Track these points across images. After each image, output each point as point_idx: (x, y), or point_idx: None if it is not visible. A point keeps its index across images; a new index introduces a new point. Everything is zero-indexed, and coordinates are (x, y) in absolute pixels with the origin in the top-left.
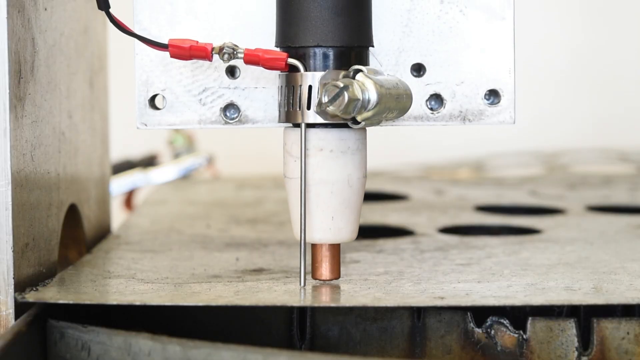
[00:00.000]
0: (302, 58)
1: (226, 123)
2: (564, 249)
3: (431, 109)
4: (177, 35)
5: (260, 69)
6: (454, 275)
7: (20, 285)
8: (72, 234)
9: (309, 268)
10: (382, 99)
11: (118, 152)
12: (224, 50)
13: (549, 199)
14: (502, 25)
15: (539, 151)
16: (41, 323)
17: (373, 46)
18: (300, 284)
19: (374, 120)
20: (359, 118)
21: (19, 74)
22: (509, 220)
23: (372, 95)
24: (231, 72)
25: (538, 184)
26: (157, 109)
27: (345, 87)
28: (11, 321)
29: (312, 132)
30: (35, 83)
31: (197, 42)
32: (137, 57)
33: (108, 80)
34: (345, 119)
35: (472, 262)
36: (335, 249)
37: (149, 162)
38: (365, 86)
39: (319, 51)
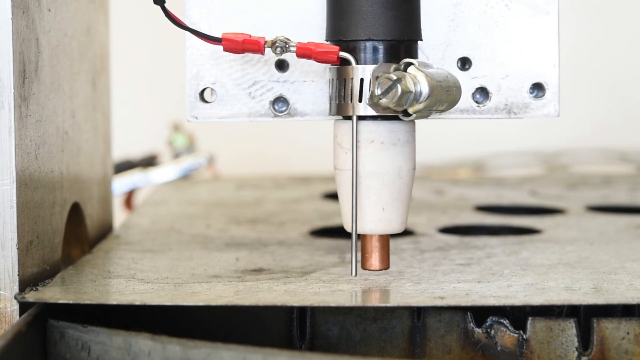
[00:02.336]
0: (353, 51)
1: (275, 116)
2: (564, 249)
3: (477, 102)
4: (225, 30)
5: (309, 62)
6: (454, 275)
7: (25, 283)
8: (75, 232)
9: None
10: (433, 92)
11: (118, 152)
12: (277, 44)
13: (549, 199)
14: (547, 19)
15: (539, 151)
16: (41, 323)
17: (422, 40)
18: (352, 274)
19: (425, 113)
20: (410, 110)
21: (23, 74)
22: (509, 220)
23: (424, 88)
24: (280, 65)
25: (538, 184)
26: (207, 102)
27: (398, 80)
28: (16, 318)
29: (363, 124)
30: (40, 83)
31: (250, 36)
32: (188, 51)
33: (110, 80)
34: (397, 111)
35: (472, 262)
36: (385, 240)
37: (149, 162)
38: (417, 79)
39: (370, 45)
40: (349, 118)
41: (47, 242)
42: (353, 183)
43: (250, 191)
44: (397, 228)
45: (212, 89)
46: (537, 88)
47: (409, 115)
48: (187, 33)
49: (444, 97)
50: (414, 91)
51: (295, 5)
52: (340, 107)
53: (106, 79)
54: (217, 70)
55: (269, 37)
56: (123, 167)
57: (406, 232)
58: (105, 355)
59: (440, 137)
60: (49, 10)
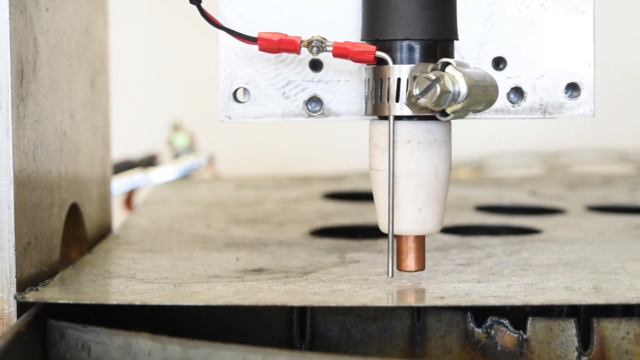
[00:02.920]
0: (390, 51)
1: (309, 116)
2: (564, 249)
3: (512, 102)
4: (258, 30)
5: (343, 62)
6: (454, 275)
7: (23, 284)
8: (73, 233)
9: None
10: (471, 91)
11: (118, 152)
12: (313, 44)
13: (549, 199)
14: (582, 19)
15: (539, 151)
16: (41, 323)
17: (458, 39)
18: (388, 275)
19: (462, 113)
20: (448, 110)
21: (21, 74)
22: (509, 220)
23: (463, 88)
24: (314, 65)
25: (538, 184)
26: (240, 102)
27: (437, 80)
28: (13, 319)
29: (400, 124)
30: (38, 83)
31: (286, 35)
32: (222, 51)
33: (109, 80)
34: (435, 111)
35: (472, 262)
36: (421, 241)
37: (149, 162)
38: (455, 78)
39: (407, 44)
40: (385, 118)
41: (45, 243)
42: (390, 183)
43: (250, 191)
44: (434, 229)
45: (245, 88)
46: (572, 88)
47: (447, 115)
48: (221, 32)
49: (481, 97)
50: (452, 91)
51: (329, 4)
52: (377, 107)
53: (105, 78)
54: (251, 69)
55: (304, 37)
56: (123, 167)
57: None
58: (105, 355)
59: None
60: (47, 9)
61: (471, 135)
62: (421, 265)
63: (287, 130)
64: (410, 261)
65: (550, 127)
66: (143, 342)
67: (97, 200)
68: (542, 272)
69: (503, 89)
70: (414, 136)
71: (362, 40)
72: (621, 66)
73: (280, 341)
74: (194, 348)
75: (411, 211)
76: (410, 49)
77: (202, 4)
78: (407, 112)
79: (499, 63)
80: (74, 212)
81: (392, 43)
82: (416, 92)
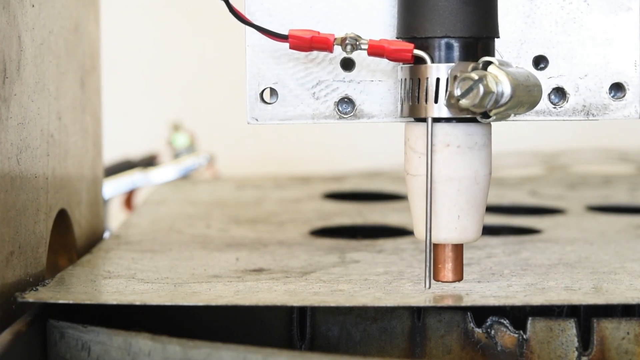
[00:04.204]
0: (428, 49)
1: (341, 118)
2: (564, 249)
3: (553, 103)
4: (287, 27)
5: (377, 61)
6: None
7: (5, 296)
8: (62, 240)
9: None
10: (515, 92)
11: (118, 152)
12: (347, 41)
13: (549, 199)
14: (628, 16)
15: (539, 151)
16: (41, 323)
17: (499, 37)
18: (425, 286)
19: (505, 115)
20: (491, 112)
21: (3, 74)
22: (509, 220)
23: (506, 88)
24: (345, 64)
25: (538, 184)
26: (268, 103)
27: (480, 80)
28: None
29: (439, 127)
30: (22, 83)
31: (319, 33)
32: (249, 49)
33: (101, 80)
34: (476, 113)
35: (472, 262)
36: (459, 250)
37: (149, 162)
38: (498, 78)
39: (446, 42)
40: (422, 120)
41: (30, 252)
42: (428, 189)
43: (250, 191)
44: (473, 237)
45: (273, 89)
46: (617, 88)
47: (488, 117)
48: (248, 30)
49: (525, 97)
50: (495, 92)
51: (363, 0)
52: (414, 108)
53: (96, 78)
54: (279, 69)
55: (336, 34)
56: (123, 167)
57: (406, 232)
58: (105, 355)
59: None
60: (33, 5)
61: None
62: (459, 275)
63: (287, 131)
64: (447, 271)
65: (550, 127)
66: (143, 342)
67: (87, 205)
68: (542, 272)
69: (544, 90)
70: (454, 139)
71: (397, 37)
72: None
73: (280, 341)
74: (194, 348)
75: (449, 218)
76: (450, 47)
77: (229, 0)
78: (446, 113)
79: (539, 62)
80: (62, 218)
81: (431, 41)
82: (457, 92)
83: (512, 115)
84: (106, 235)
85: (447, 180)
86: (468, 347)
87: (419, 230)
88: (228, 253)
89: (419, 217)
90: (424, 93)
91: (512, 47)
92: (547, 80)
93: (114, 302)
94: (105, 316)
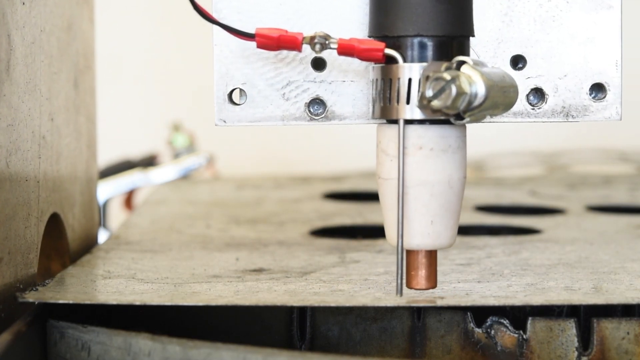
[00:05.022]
0: (400, 48)
1: (311, 119)
2: (564, 249)
3: (532, 104)
4: (256, 25)
5: (349, 61)
6: (454, 275)
7: None
8: (54, 245)
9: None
10: (490, 93)
11: (118, 152)
12: (316, 40)
13: (549, 199)
14: (609, 14)
15: (539, 151)
16: (41, 323)
17: (474, 36)
18: (397, 293)
19: (480, 116)
20: (465, 114)
21: None
22: (509, 220)
23: (480, 89)
24: (316, 64)
25: (538, 184)
26: (237, 104)
27: (452, 80)
28: None
29: (411, 129)
30: (12, 83)
31: (287, 31)
32: (216, 49)
33: (95, 80)
34: (449, 115)
35: (472, 262)
36: (433, 256)
37: (149, 162)
38: (472, 79)
39: (418, 41)
40: (394, 122)
41: (20, 258)
42: (399, 193)
43: (250, 191)
44: (447, 243)
45: (242, 89)
46: (598, 89)
47: (462, 119)
48: (216, 29)
49: (500, 99)
50: (469, 92)
51: None
52: (385, 109)
53: (91, 78)
54: (249, 69)
55: (306, 33)
56: (123, 167)
57: None
58: (105, 355)
59: None
60: (23, 3)
61: (471, 135)
62: (433, 282)
63: (287, 130)
64: (421, 278)
65: (550, 127)
66: (143, 342)
67: (80, 209)
68: (542, 272)
69: (522, 90)
70: (426, 142)
71: (369, 36)
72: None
73: (280, 341)
74: (194, 348)
75: (423, 224)
76: (423, 46)
77: None
78: (419, 115)
79: (517, 62)
80: (55, 223)
81: (403, 40)
82: (429, 93)
83: (488, 116)
84: (104, 235)
85: (419, 185)
86: (468, 347)
87: (391, 236)
88: (228, 253)
89: (391, 222)
90: (396, 94)
91: (489, 47)
92: (525, 80)
93: (114, 302)
94: (105, 316)
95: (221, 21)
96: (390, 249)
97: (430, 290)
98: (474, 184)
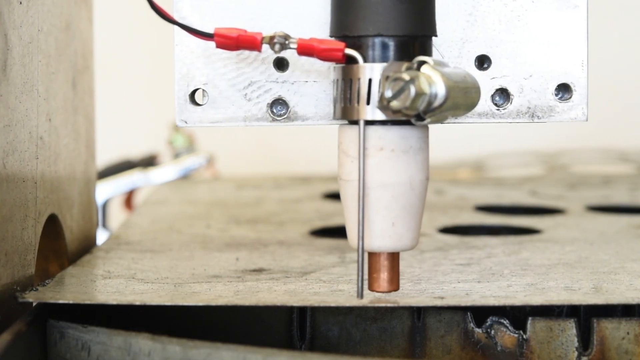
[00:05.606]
0: (360, 48)
1: (273, 120)
2: (564, 249)
3: (496, 104)
4: (219, 25)
5: (311, 61)
6: (454, 275)
7: None
8: (52, 246)
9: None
10: (450, 94)
11: (118, 152)
12: (275, 40)
13: (549, 199)
14: (575, 14)
15: (539, 151)
16: (41, 323)
17: (437, 36)
18: (358, 296)
19: (440, 117)
20: (426, 115)
21: None
22: (509, 220)
23: (440, 90)
24: (279, 64)
25: (538, 184)
26: (198, 104)
27: (411, 81)
28: None
29: (372, 129)
30: (8, 83)
31: (246, 31)
32: (177, 49)
33: (94, 80)
34: (409, 116)
35: (472, 262)
36: (395, 258)
37: (149, 162)
38: (432, 79)
39: (379, 41)
40: (356, 123)
41: (18, 259)
42: (360, 195)
43: (250, 191)
44: (409, 245)
45: (203, 90)
46: (564, 89)
47: (423, 119)
48: (176, 28)
49: (461, 99)
50: (428, 93)
51: None
52: (346, 110)
53: (89, 78)
54: (210, 69)
55: (267, 33)
56: (123, 167)
57: None
58: (105, 355)
59: (440, 137)
60: (20, 3)
61: (471, 135)
62: (395, 285)
63: (287, 130)
64: (383, 281)
65: (551, 127)
66: (143, 342)
67: (79, 210)
68: (542, 272)
69: (487, 91)
70: (387, 143)
71: (330, 36)
72: (622, 65)
73: (280, 341)
74: (194, 348)
75: (384, 226)
76: (383, 46)
77: None
78: (380, 116)
79: (483, 62)
80: (53, 224)
81: (363, 40)
82: (388, 94)
83: (450, 117)
84: (104, 235)
85: (380, 186)
86: (468, 347)
87: (352, 238)
88: (228, 253)
89: (352, 224)
90: (356, 94)
91: (453, 47)
92: (490, 80)
93: (114, 302)
94: (105, 316)
95: (182, 20)
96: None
97: (430, 290)
98: (474, 184)
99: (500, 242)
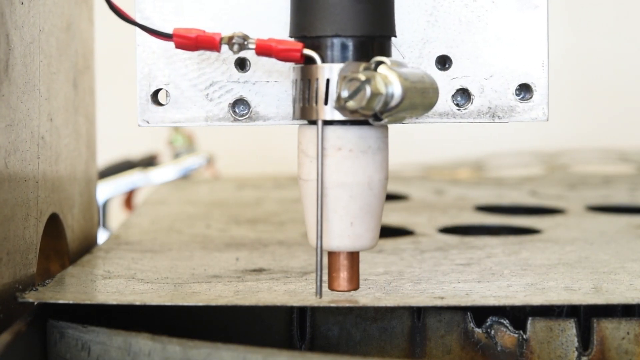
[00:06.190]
0: (319, 49)
1: (235, 120)
2: (564, 249)
3: (457, 105)
4: (182, 25)
5: (273, 61)
6: (454, 275)
7: None
8: (53, 245)
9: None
10: (407, 94)
11: (118, 152)
12: (234, 41)
13: (549, 199)
14: (535, 14)
15: (539, 151)
16: (41, 323)
17: (395, 36)
18: (316, 296)
19: (398, 117)
20: (383, 115)
21: None
22: (509, 220)
23: (397, 90)
24: (241, 65)
25: (538, 184)
26: (160, 104)
27: (367, 81)
28: None
29: (330, 129)
30: (10, 83)
31: (204, 31)
32: (139, 49)
33: (95, 80)
34: (366, 116)
35: (472, 262)
36: (354, 258)
37: (149, 162)
38: (388, 79)
39: (337, 41)
40: (314, 123)
41: (20, 258)
42: (318, 195)
43: (250, 191)
44: (368, 244)
45: (165, 90)
46: (524, 89)
47: (380, 119)
48: (137, 29)
49: (419, 99)
50: (385, 93)
51: None
52: (305, 110)
53: (90, 78)
54: (171, 69)
55: (228, 33)
56: (123, 167)
57: (406, 232)
58: (105, 355)
59: (440, 137)
60: (22, 3)
61: (471, 135)
62: (355, 284)
63: (287, 130)
64: (342, 280)
65: (551, 127)
66: (143, 342)
67: (80, 209)
68: (542, 272)
69: (448, 91)
70: (345, 143)
71: (290, 37)
72: (621, 66)
73: (280, 341)
74: (194, 348)
75: (342, 226)
76: (341, 47)
77: None
78: (338, 116)
79: (444, 62)
80: (54, 223)
81: (321, 40)
82: (345, 94)
83: (408, 117)
84: (104, 235)
85: (338, 186)
86: (468, 347)
87: (312, 238)
88: (228, 253)
89: (311, 224)
90: (314, 94)
91: (414, 47)
92: (451, 81)
93: (114, 302)
94: (105, 316)
95: (143, 21)
96: (390, 249)
97: (430, 290)
98: (474, 184)
99: (500, 242)
